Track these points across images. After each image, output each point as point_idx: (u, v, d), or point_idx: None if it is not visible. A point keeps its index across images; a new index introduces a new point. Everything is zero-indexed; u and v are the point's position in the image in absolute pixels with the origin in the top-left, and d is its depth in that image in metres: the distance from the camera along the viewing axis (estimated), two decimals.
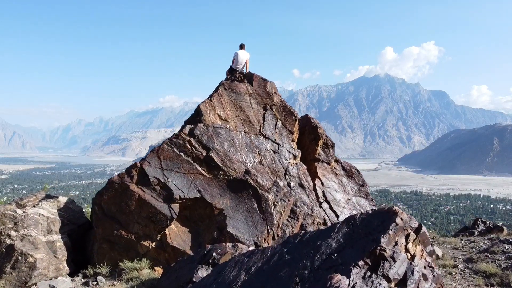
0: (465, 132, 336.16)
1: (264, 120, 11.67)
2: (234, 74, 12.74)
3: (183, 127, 10.82)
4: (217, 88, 11.91)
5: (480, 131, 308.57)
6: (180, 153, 10.03)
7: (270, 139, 11.22)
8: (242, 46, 12.97)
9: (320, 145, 12.14)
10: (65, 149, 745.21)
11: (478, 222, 25.66)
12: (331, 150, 12.32)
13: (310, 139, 12.14)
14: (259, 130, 11.38)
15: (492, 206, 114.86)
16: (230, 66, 12.97)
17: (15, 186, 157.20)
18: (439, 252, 13.24)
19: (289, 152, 11.16)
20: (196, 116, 11.18)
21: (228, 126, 10.90)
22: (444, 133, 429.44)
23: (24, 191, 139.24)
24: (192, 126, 10.62)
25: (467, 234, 19.49)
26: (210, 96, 11.58)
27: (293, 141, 11.77)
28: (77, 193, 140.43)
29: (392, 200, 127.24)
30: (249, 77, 12.47)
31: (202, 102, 11.33)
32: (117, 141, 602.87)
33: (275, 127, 11.69)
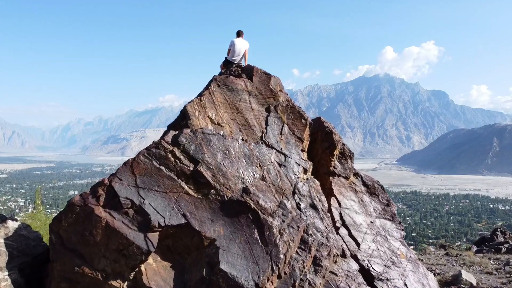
0: (465, 132, 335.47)
1: (267, 124, 9.59)
2: (230, 67, 10.73)
3: (165, 133, 8.66)
4: (209, 84, 9.79)
5: (480, 131, 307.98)
6: (161, 166, 7.88)
7: (275, 148, 9.13)
8: (239, 34, 10.97)
9: (336, 155, 10.01)
10: (64, 149, 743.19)
11: (497, 232, 23.69)
12: (349, 161, 10.18)
13: (323, 148, 10.03)
14: (261, 137, 9.31)
15: (491, 206, 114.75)
16: (225, 57, 11.00)
17: (14, 185, 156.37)
18: (472, 279, 11.22)
19: (298, 165, 8.99)
20: (182, 120, 9.06)
21: (222, 132, 8.82)
22: (443, 133, 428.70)
23: (23, 191, 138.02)
24: (177, 132, 8.46)
25: (493, 250, 17.55)
26: (200, 95, 9.45)
27: (302, 150, 9.63)
28: (76, 192, 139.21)
29: (392, 200, 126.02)
30: (248, 71, 10.38)
31: (189, 102, 9.19)
32: (116, 141, 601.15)
33: (281, 133, 9.57)
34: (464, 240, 78.72)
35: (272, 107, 9.91)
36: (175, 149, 8.07)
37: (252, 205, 7.67)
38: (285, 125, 9.77)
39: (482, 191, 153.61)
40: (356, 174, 10.28)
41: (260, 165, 8.54)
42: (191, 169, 7.95)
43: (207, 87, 9.68)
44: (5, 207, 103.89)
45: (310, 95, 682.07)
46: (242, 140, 8.85)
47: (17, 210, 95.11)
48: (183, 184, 7.80)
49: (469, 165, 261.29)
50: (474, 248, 19.81)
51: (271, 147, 9.11)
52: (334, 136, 10.09)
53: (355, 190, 9.75)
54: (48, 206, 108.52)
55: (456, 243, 75.05)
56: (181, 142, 8.18)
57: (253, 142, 8.98)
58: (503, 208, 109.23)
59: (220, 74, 10.63)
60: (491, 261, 14.21)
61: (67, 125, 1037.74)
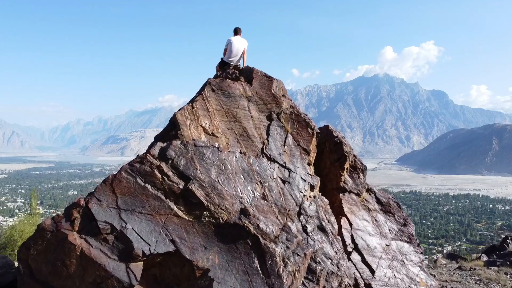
0: (464, 132, 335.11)
1: (268, 134, 8.55)
2: (226, 69, 9.67)
3: (151, 145, 7.63)
4: (202, 89, 8.75)
5: (479, 131, 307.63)
6: (146, 185, 6.87)
7: (278, 162, 8.10)
8: (237, 31, 9.94)
9: (347, 168, 8.98)
10: (64, 149, 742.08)
11: (507, 240, 22.65)
12: (361, 175, 9.13)
13: (332, 160, 9.02)
14: (262, 149, 8.28)
15: (491, 206, 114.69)
16: (221, 58, 9.97)
17: (14, 185, 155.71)
18: None
19: (304, 181, 7.99)
20: (171, 130, 7.96)
21: (217, 144, 7.81)
22: (443, 133, 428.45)
23: (22, 191, 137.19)
24: (165, 144, 7.50)
25: (508, 263, 16.56)
26: (192, 101, 8.41)
27: (309, 164, 8.60)
28: (75, 192, 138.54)
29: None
30: (247, 74, 9.33)
31: (179, 110, 8.14)
32: (116, 141, 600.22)
33: (284, 145, 8.53)
34: (464, 240, 78.15)
35: (274, 115, 8.90)
36: (163, 164, 7.10)
37: (252, 229, 6.65)
38: (289, 135, 8.74)
39: (482, 191, 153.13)
40: (369, 190, 9.22)
41: (260, 182, 7.54)
42: (181, 187, 6.99)
43: (200, 92, 8.63)
44: (4, 207, 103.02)
45: (310, 95, 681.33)
46: (240, 153, 7.89)
47: (16, 211, 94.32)
48: (172, 205, 6.80)
49: (468, 165, 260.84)
50: (484, 257, 18.86)
51: (273, 160, 8.13)
52: (344, 147, 9.04)
53: (368, 208, 8.72)
54: (47, 207, 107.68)
55: (456, 243, 74.50)
56: (169, 156, 7.21)
57: (253, 155, 8.00)
58: (503, 208, 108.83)
59: (216, 77, 9.60)
60: (508, 277, 13.18)
61: (67, 125, 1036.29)
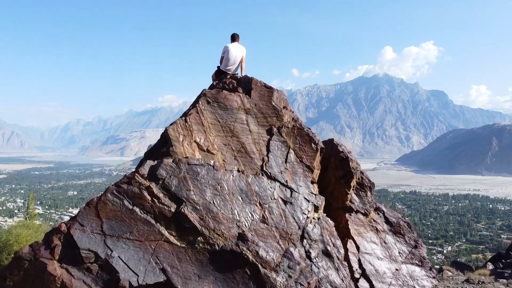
0: (464, 132, 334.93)
1: (268, 150, 7.89)
2: (223, 78, 9.02)
3: (140, 164, 7.09)
4: (196, 101, 8.11)
5: (479, 131, 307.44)
6: (134, 207, 6.32)
7: (279, 181, 7.47)
8: (234, 37, 9.25)
9: (353, 186, 8.32)
10: (63, 149, 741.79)
11: None
12: (368, 193, 8.46)
13: (337, 177, 8.38)
14: (262, 166, 7.63)
15: (491, 206, 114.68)
16: (218, 67, 9.34)
17: (13, 186, 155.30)
18: None
19: (308, 201, 7.38)
20: (163, 146, 7.35)
21: (212, 162, 7.18)
22: (442, 133, 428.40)
23: (22, 191, 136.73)
24: (155, 163, 6.90)
25: None
26: (185, 114, 7.78)
27: (313, 182, 7.94)
28: (75, 193, 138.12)
29: (391, 200, 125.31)
30: (245, 84, 8.65)
31: (171, 124, 7.52)
32: (115, 141, 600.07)
33: (286, 161, 7.88)
34: (464, 240, 77.78)
35: (275, 129, 8.19)
36: (153, 185, 6.53)
37: (250, 256, 6.08)
38: (291, 151, 8.07)
39: (482, 191, 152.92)
40: (377, 209, 8.56)
41: (260, 203, 6.93)
42: (173, 210, 6.42)
43: (194, 105, 7.98)
44: (4, 207, 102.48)
45: (310, 95, 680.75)
46: (238, 171, 7.29)
47: (16, 211, 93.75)
48: (163, 230, 6.24)
49: (468, 165, 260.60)
50: (490, 266, 18.26)
51: (274, 179, 7.48)
52: (350, 163, 8.35)
53: (377, 229, 8.10)
54: (47, 207, 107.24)
55: (456, 243, 74.01)
56: (160, 176, 6.64)
57: (252, 174, 7.40)
58: (503, 208, 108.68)
59: (211, 87, 8.93)
60: None
61: (66, 125, 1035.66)
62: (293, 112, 8.80)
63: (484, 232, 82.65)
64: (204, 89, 8.46)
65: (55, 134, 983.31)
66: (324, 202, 7.87)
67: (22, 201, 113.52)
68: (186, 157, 7.15)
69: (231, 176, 7.13)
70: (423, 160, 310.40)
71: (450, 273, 16.90)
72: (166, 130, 7.44)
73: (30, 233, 17.57)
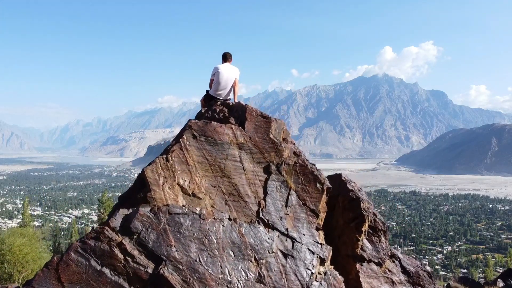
0: (463, 132, 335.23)
1: (266, 192, 6.79)
2: (213, 105, 7.89)
3: (112, 213, 6.08)
4: (180, 135, 6.99)
5: (478, 131, 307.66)
6: (103, 269, 5.38)
7: (278, 230, 6.48)
8: (226, 57, 8.12)
9: (365, 231, 7.40)
10: (63, 150, 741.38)
11: None
12: (383, 238, 7.49)
13: (346, 219, 7.47)
14: (258, 212, 6.58)
15: (491, 206, 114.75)
16: (207, 91, 8.24)
17: (13, 187, 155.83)
18: None
19: (312, 253, 6.41)
20: (139, 191, 6.36)
21: (198, 210, 6.10)
22: (442, 133, 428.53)
23: (21, 192, 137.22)
24: (130, 211, 5.91)
25: None
26: (166, 151, 6.72)
27: (318, 229, 6.87)
28: (75, 194, 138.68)
29: (391, 200, 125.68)
30: (239, 113, 7.46)
31: (150, 164, 6.48)
32: (115, 142, 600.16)
33: (287, 205, 6.77)
34: (464, 240, 78.16)
35: (273, 167, 7.01)
36: (126, 241, 5.49)
37: None
38: (292, 192, 6.92)
39: (481, 191, 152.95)
40: (392, 256, 7.70)
41: (255, 259, 5.93)
42: (150, 271, 5.39)
43: (177, 140, 6.85)
44: (4, 209, 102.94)
45: (309, 95, 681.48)
46: (229, 219, 6.22)
47: (15, 212, 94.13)
48: None
49: (468, 165, 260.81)
50: (500, 283, 17.45)
51: (273, 227, 6.43)
52: (362, 203, 7.34)
53: (392, 281, 7.27)
54: (46, 208, 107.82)
55: (456, 243, 74.36)
56: (135, 230, 5.59)
57: (246, 222, 6.33)
58: (503, 208, 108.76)
59: (199, 115, 7.80)
60: None
61: (66, 126, 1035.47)
62: (294, 143, 7.70)
63: (484, 232, 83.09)
64: (189, 120, 7.24)
65: (54, 135, 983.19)
66: (331, 252, 6.83)
67: (22, 202, 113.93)
68: (167, 205, 6.07)
69: (221, 226, 6.04)
70: (422, 160, 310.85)
71: None
72: (143, 171, 6.39)
73: (24, 242, 17.36)
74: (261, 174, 7.00)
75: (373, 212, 7.74)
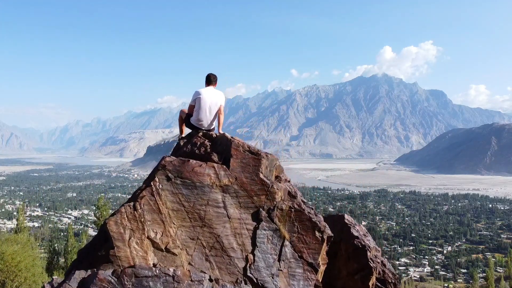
0: (463, 132, 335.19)
1: (255, 244, 5.77)
2: (193, 135, 6.80)
3: (67, 277, 5.24)
4: (151, 177, 5.92)
5: (478, 131, 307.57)
6: None
7: None
8: (210, 80, 6.98)
9: (373, 284, 6.47)
10: (62, 150, 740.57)
11: None
12: None
13: (350, 271, 6.56)
14: (245, 269, 5.60)
15: (490, 205, 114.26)
16: (187, 115, 7.15)
17: (12, 187, 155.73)
18: None
19: None
20: (101, 246, 5.47)
21: (171, 270, 5.10)
22: (441, 133, 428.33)
23: (21, 193, 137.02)
24: (88, 274, 5.03)
25: None
26: (134, 197, 5.73)
27: (317, 286, 5.91)
28: (74, 194, 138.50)
29: (391, 200, 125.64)
30: (223, 147, 6.34)
31: (113, 214, 5.56)
32: (115, 142, 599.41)
33: (280, 259, 5.76)
34: (464, 240, 77.98)
35: (263, 212, 5.89)
36: None
37: None
38: (286, 242, 5.85)
39: (481, 190, 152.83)
40: None
41: None
42: None
43: (148, 182, 5.82)
44: (3, 210, 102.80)
45: (309, 95, 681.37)
46: (210, 280, 5.19)
47: (15, 213, 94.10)
48: None
49: (467, 165, 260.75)
50: None
51: (263, 287, 5.43)
52: (368, 253, 6.36)
53: None
54: (46, 209, 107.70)
55: (456, 243, 74.29)
56: None
57: (230, 282, 5.33)
58: (502, 208, 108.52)
59: (176, 149, 6.64)
60: None
61: (66, 126, 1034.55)
62: (289, 181, 6.55)
63: (484, 232, 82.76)
64: (163, 157, 6.05)
65: (54, 136, 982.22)
66: None
67: (21, 203, 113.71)
68: (133, 266, 5.05)
69: None
70: (422, 160, 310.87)
71: None
72: (105, 222, 5.36)
73: (17, 249, 16.75)
74: (249, 222, 5.90)
75: (382, 262, 6.78)
